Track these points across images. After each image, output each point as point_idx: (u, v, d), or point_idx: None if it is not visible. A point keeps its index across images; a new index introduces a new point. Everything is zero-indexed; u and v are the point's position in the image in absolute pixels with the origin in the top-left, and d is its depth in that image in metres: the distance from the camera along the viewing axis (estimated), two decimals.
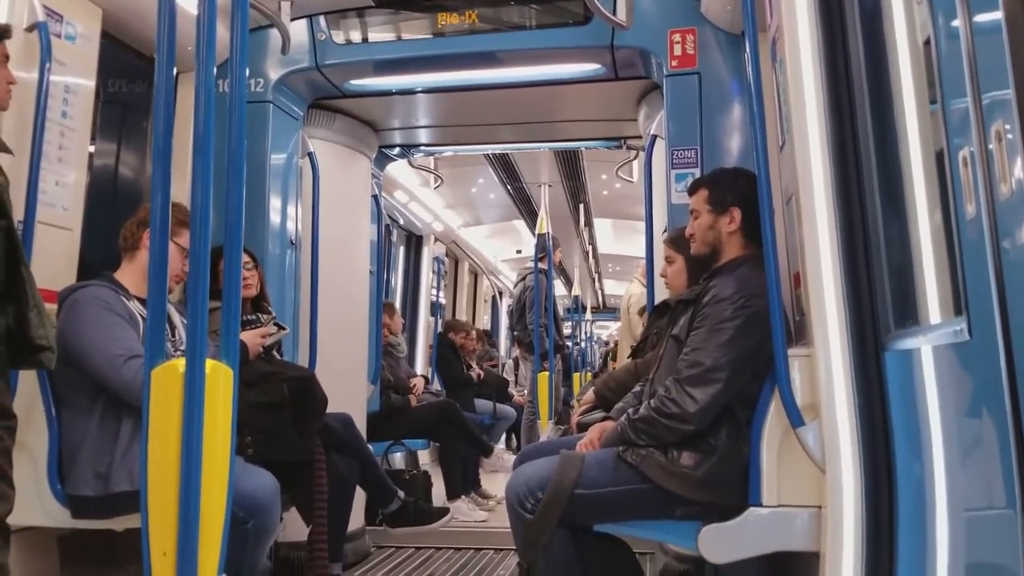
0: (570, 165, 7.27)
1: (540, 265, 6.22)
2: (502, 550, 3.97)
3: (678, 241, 3.07)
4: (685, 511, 2.13)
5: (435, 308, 8.15)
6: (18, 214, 2.33)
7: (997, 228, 1.21)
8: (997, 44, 1.19)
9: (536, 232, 6.57)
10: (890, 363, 1.75)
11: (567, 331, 9.17)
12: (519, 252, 10.65)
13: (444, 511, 3.48)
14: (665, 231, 3.21)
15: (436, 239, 8.35)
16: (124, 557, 2.61)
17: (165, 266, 1.77)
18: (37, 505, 2.31)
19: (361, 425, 3.93)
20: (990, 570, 1.37)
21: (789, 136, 2.06)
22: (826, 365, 1.86)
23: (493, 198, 8.51)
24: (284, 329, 3.01)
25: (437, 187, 7.19)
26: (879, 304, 1.81)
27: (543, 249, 6.31)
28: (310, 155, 3.76)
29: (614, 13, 2.82)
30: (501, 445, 7.48)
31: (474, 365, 7.17)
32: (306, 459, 2.72)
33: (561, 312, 8.33)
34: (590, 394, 3.28)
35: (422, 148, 4.87)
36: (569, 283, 12.68)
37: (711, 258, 2.40)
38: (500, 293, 12.10)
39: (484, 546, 4.10)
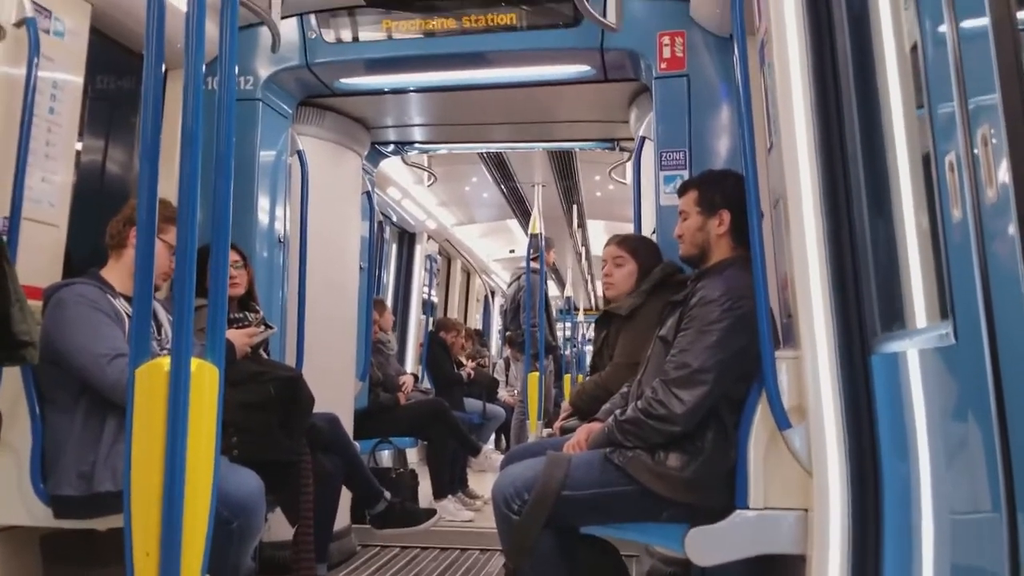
0: (564, 166, 7.26)
1: (533, 265, 6.21)
2: (488, 550, 3.96)
3: (631, 242, 3.09)
4: (671, 513, 2.12)
5: (427, 306, 8.14)
6: (3, 210, 2.33)
7: (983, 232, 1.21)
8: (983, 49, 1.19)
9: (529, 232, 6.55)
10: (877, 366, 1.75)
11: (562, 333, 9.13)
12: (512, 252, 10.63)
13: (431, 512, 3.46)
14: (653, 232, 3.21)
15: (429, 237, 8.33)
16: (107, 557, 2.59)
17: (151, 264, 1.75)
18: (19, 504, 2.28)
19: (348, 422, 3.92)
20: (976, 573, 1.37)
21: (777, 139, 2.06)
22: (813, 368, 1.86)
23: (487, 197, 8.49)
24: (272, 328, 3.00)
25: (431, 185, 7.17)
26: (866, 307, 1.81)
27: (536, 249, 6.30)
28: (299, 153, 3.74)
29: (603, 15, 2.82)
30: (490, 445, 7.48)
31: (465, 363, 7.16)
32: (292, 459, 2.70)
33: (555, 313, 8.32)
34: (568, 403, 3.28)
35: (415, 145, 4.86)
36: (562, 284, 12.67)
37: (699, 260, 2.41)
38: (492, 292, 12.08)
39: (470, 546, 4.09)
